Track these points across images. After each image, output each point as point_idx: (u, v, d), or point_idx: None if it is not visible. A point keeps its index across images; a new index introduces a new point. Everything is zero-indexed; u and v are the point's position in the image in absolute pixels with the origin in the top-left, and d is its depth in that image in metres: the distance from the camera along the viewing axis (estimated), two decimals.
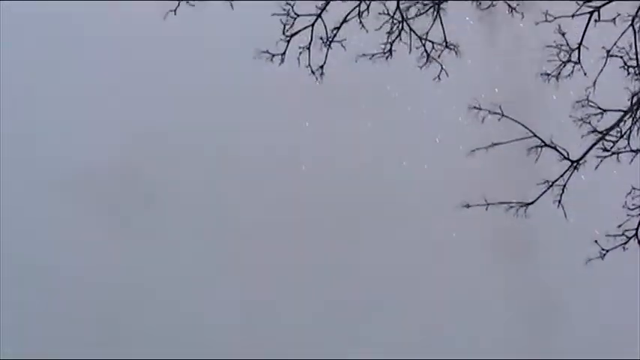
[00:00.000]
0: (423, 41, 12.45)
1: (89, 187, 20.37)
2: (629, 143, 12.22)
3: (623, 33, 12.48)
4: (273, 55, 12.20)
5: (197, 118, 20.45)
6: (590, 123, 12.50)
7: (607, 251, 12.30)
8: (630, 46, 12.46)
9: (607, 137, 12.28)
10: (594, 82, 12.76)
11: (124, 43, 21.09)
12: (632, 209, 12.27)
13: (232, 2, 12.39)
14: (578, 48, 12.72)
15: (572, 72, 12.85)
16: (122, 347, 18.78)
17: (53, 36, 21.21)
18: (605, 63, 12.72)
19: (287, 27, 11.98)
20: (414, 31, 12.35)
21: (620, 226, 12.20)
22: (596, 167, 12.38)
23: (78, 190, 20.27)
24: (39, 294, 19.43)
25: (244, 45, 12.57)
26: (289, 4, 11.88)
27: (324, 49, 12.23)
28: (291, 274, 19.31)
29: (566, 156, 12.45)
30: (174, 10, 12.54)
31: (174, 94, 20.71)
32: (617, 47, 12.56)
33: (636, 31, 12.44)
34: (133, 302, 19.32)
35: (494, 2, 12.49)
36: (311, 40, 12.16)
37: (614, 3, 12.47)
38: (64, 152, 20.60)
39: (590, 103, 12.59)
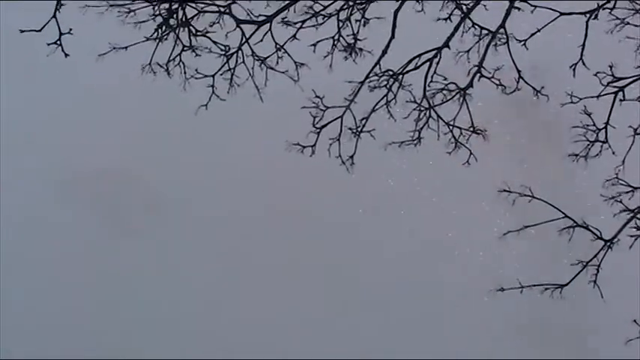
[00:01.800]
0: (451, 127, 12.60)
1: (89, 191, 20.46)
2: None
3: None
4: (304, 147, 12.41)
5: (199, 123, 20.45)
6: (621, 201, 12.49)
7: None
8: None
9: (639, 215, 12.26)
10: (623, 161, 12.79)
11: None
12: None
13: (262, 96, 12.67)
14: (605, 127, 12.81)
15: (600, 151, 12.91)
16: (122, 349, 18.74)
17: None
18: (633, 141, 12.77)
19: (317, 119, 12.21)
20: (441, 118, 12.50)
21: None
22: (631, 247, 12.33)
23: (78, 194, 20.37)
24: (39, 295, 19.51)
25: (275, 137, 12.80)
26: (319, 97, 12.13)
27: (354, 139, 12.42)
28: (293, 275, 19.23)
29: (599, 236, 12.42)
30: (206, 105, 12.79)
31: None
32: None
33: None
34: (134, 305, 19.33)
35: (519, 87, 12.66)
36: (340, 131, 12.35)
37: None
38: (64, 154, 20.69)
39: (621, 182, 12.61)
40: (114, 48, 12.19)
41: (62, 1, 11.35)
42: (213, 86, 12.57)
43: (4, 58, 20.92)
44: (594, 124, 12.78)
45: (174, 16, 11.64)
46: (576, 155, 12.88)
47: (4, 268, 19.42)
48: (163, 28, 11.64)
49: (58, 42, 11.58)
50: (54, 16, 11.41)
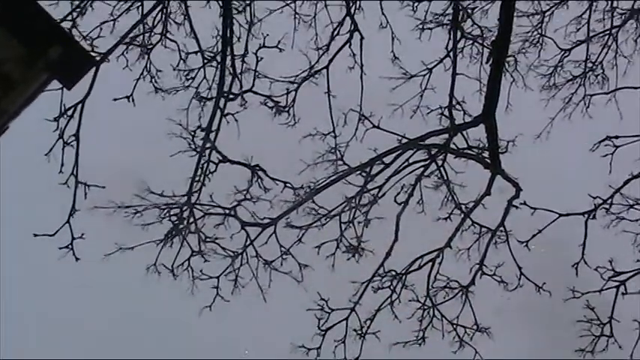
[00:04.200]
0: (455, 326, 12.57)
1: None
2: None
3: None
4: (309, 349, 12.31)
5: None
6: None
7: None
8: None
9: None
10: (631, 355, 12.68)
11: None
12: None
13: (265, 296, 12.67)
14: (610, 322, 12.76)
15: (606, 346, 12.80)
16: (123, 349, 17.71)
17: None
18: None
19: (322, 321, 12.19)
20: (445, 317, 12.51)
21: None
22: None
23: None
24: (40, 296, 18.58)
25: (280, 340, 12.74)
26: (324, 300, 12.16)
27: (359, 341, 12.35)
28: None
29: None
30: (210, 307, 12.78)
31: None
32: None
33: None
34: (134, 305, 18.39)
35: (521, 283, 12.72)
36: (346, 333, 12.31)
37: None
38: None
39: None
40: (120, 248, 12.35)
41: (76, 208, 11.60)
42: (217, 287, 12.60)
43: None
44: (598, 319, 12.74)
45: (184, 221, 11.86)
46: (582, 350, 12.77)
47: (5, 268, 18.87)
48: (173, 233, 11.83)
49: (70, 246, 11.73)
50: (67, 221, 11.64)
